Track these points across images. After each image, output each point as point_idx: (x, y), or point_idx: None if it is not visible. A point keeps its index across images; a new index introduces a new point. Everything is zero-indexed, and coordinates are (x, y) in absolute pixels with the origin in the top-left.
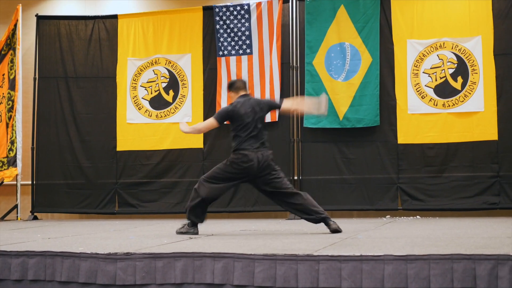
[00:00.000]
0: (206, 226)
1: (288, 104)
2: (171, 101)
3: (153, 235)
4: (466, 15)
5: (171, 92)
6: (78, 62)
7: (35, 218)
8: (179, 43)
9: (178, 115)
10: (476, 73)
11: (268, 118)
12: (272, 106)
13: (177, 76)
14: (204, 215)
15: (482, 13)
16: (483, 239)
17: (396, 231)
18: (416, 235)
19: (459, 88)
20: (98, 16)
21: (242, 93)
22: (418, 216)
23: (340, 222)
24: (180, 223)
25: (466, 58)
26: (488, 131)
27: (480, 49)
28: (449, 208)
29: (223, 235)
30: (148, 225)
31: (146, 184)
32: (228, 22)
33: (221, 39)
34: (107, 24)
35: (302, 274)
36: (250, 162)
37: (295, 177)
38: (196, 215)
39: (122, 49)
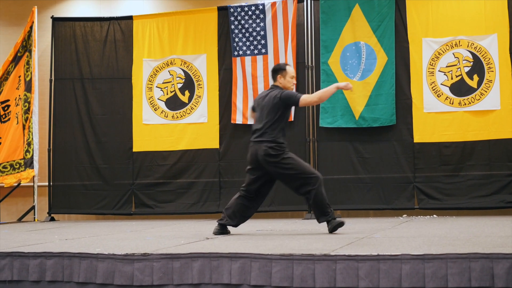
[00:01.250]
0: None
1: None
2: (187, 102)
3: (170, 236)
4: (482, 13)
5: (187, 93)
6: (94, 63)
7: (52, 219)
8: (194, 44)
9: (194, 115)
10: (492, 71)
11: None
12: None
13: (193, 77)
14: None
15: (497, 11)
16: (501, 238)
17: (413, 231)
18: (433, 234)
19: (475, 86)
20: (113, 17)
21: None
22: (435, 215)
23: (356, 222)
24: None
25: (482, 56)
26: (505, 129)
27: (496, 47)
28: (466, 207)
29: (240, 235)
30: (165, 225)
31: (163, 185)
32: (243, 22)
33: (236, 39)
34: (122, 25)
35: (319, 274)
36: (248, 153)
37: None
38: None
39: (138, 50)
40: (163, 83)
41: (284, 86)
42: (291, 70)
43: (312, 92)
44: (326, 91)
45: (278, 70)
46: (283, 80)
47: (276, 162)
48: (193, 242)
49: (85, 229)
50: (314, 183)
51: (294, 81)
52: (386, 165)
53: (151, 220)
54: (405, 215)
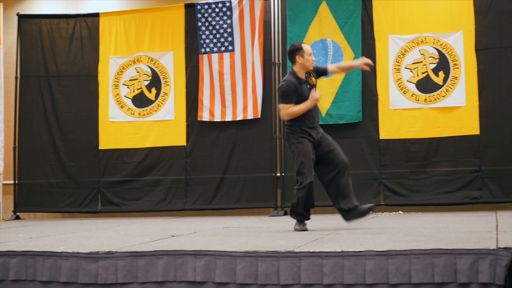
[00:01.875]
0: (188, 224)
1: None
2: (153, 99)
3: (135, 234)
4: (448, 10)
5: (154, 90)
6: (60, 60)
7: (17, 218)
8: (161, 41)
9: (160, 113)
10: (458, 68)
11: (250, 114)
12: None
13: (160, 74)
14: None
15: (463, 8)
16: (464, 234)
17: (378, 227)
18: (397, 231)
19: (441, 83)
20: (80, 14)
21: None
22: (400, 212)
23: (323, 218)
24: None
25: (447, 53)
26: (470, 125)
27: (461, 44)
28: (431, 203)
29: (205, 232)
30: (131, 223)
31: (129, 183)
32: (210, 19)
33: (203, 37)
34: (89, 23)
35: (283, 270)
36: None
37: (278, 174)
38: None
39: (104, 47)
40: (129, 80)
41: (304, 65)
42: (307, 47)
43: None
44: (300, 111)
45: (295, 50)
46: (302, 59)
47: (288, 145)
48: (158, 240)
49: (50, 227)
50: (298, 184)
51: (313, 58)
52: (352, 161)
53: (117, 218)
54: (371, 212)
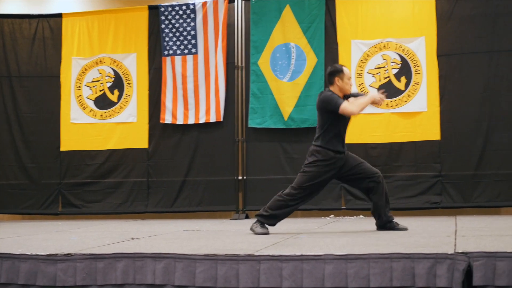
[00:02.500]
0: (149, 227)
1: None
2: (116, 101)
3: (95, 236)
4: (410, 16)
5: (116, 92)
6: (22, 61)
7: None
8: (124, 43)
9: (123, 115)
10: (419, 73)
11: (213, 117)
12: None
13: (122, 76)
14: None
15: (425, 14)
16: (423, 238)
17: (339, 231)
18: (357, 235)
19: (403, 88)
20: (42, 14)
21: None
22: (361, 216)
23: (283, 222)
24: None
25: (409, 58)
26: (431, 131)
27: (423, 50)
28: (392, 208)
29: (166, 235)
30: (91, 225)
31: (90, 185)
32: (173, 21)
33: (167, 39)
34: (51, 23)
35: (243, 274)
36: None
37: (240, 177)
38: None
39: (67, 48)
40: (92, 81)
41: (342, 88)
42: (347, 71)
43: (243, 93)
44: (363, 105)
45: (335, 72)
46: (341, 82)
47: (310, 161)
48: (118, 243)
49: (10, 229)
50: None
51: (351, 83)
52: None
53: (78, 220)
54: (332, 216)
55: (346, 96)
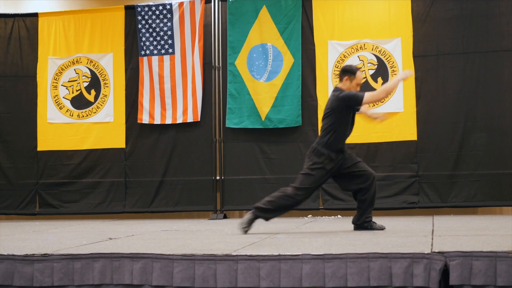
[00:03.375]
0: (126, 227)
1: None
2: (92, 101)
3: (72, 236)
4: (386, 17)
5: (93, 92)
6: None
7: None
8: (100, 43)
9: (99, 114)
10: (396, 74)
11: (190, 117)
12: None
13: (99, 76)
14: None
15: (401, 16)
16: (401, 238)
17: (316, 231)
18: (335, 235)
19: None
20: (18, 14)
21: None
22: (339, 216)
23: (261, 222)
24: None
25: (386, 59)
26: (408, 131)
27: (399, 51)
28: None
29: (144, 235)
30: (69, 226)
31: (67, 185)
32: (150, 21)
33: (143, 39)
34: (28, 23)
35: (220, 274)
36: None
37: (217, 177)
38: None
39: (43, 47)
40: (68, 81)
41: (348, 89)
42: (360, 76)
43: (220, 94)
44: (390, 87)
45: (348, 71)
46: (349, 83)
47: (307, 160)
48: (95, 243)
49: None
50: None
51: (358, 89)
52: (291, 165)
53: (55, 221)
54: (310, 216)
55: None
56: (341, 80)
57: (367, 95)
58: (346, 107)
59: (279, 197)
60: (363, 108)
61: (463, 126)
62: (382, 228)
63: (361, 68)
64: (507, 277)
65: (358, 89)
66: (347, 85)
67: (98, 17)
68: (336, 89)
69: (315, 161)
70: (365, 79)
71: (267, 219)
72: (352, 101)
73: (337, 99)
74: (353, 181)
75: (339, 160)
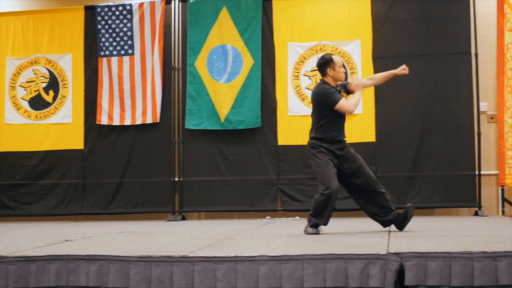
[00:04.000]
0: (84, 228)
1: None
2: (51, 102)
3: (29, 238)
4: (346, 19)
5: (51, 92)
6: None
7: None
8: (59, 43)
9: (58, 115)
10: (355, 75)
11: (149, 118)
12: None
13: (58, 76)
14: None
15: (361, 18)
16: (357, 239)
17: (274, 232)
18: (292, 236)
19: None
20: None
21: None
22: (297, 217)
23: (220, 223)
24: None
25: (346, 61)
26: (367, 133)
27: (359, 53)
28: None
29: (101, 237)
30: (26, 227)
31: (25, 186)
32: (110, 22)
33: (103, 40)
34: None
35: (177, 275)
36: None
37: (176, 179)
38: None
39: (1, 48)
40: (26, 82)
41: (335, 77)
42: (338, 59)
43: (179, 95)
44: (357, 102)
45: (326, 63)
46: (333, 72)
47: (309, 156)
48: (52, 245)
49: None
50: (323, 191)
51: (343, 70)
52: (250, 167)
53: (12, 222)
54: (269, 217)
55: (339, 87)
56: (324, 74)
57: (341, 104)
58: (322, 103)
59: (317, 201)
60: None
61: (421, 128)
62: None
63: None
64: (462, 277)
65: (343, 70)
66: (333, 74)
67: (57, 17)
68: (319, 84)
69: (311, 152)
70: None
71: (324, 224)
72: (326, 101)
73: (316, 92)
74: (354, 183)
75: (336, 150)
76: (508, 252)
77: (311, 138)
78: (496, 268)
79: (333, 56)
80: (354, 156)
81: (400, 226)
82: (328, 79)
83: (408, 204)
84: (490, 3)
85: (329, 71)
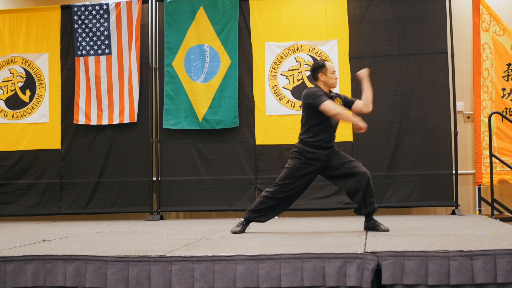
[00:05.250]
0: (62, 228)
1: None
2: (27, 101)
3: (5, 238)
4: (323, 19)
5: (28, 92)
6: None
7: None
8: (36, 42)
9: (35, 115)
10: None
11: (126, 118)
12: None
13: (34, 76)
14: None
15: (338, 18)
16: (335, 238)
17: (251, 232)
18: (270, 235)
19: None
20: None
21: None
22: (276, 216)
23: (198, 223)
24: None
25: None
26: (344, 132)
27: (336, 52)
28: (306, 208)
29: (78, 237)
30: (3, 228)
31: (2, 186)
32: (86, 21)
33: (80, 39)
34: None
35: (155, 275)
36: None
37: (154, 178)
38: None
39: None
40: (3, 81)
41: (326, 83)
42: (330, 65)
43: (157, 94)
44: (345, 116)
45: (318, 68)
46: (325, 77)
47: (293, 156)
48: (29, 245)
49: None
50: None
51: (336, 76)
52: (228, 166)
53: None
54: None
55: (334, 95)
56: (316, 79)
57: (325, 105)
58: (308, 104)
59: (259, 198)
60: (358, 108)
61: (398, 127)
62: (386, 230)
63: (298, 69)
64: (438, 276)
65: (335, 76)
66: (324, 79)
67: (34, 16)
68: (314, 87)
69: (294, 155)
70: (301, 80)
71: (260, 221)
72: (311, 101)
73: (303, 94)
74: (343, 182)
75: (322, 156)
76: (484, 251)
77: (299, 140)
78: (472, 267)
79: (326, 62)
80: (341, 156)
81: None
82: (320, 84)
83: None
84: (466, 4)
85: (321, 76)
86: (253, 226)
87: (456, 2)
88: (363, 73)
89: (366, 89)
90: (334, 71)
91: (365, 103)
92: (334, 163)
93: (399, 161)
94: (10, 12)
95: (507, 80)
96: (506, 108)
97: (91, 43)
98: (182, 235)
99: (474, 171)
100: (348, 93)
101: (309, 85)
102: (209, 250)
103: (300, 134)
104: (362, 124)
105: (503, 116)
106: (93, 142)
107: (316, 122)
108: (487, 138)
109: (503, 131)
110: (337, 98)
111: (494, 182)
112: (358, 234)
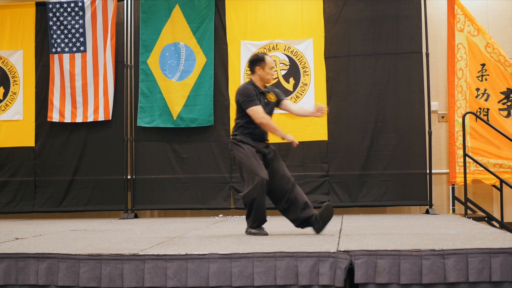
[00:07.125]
0: (35, 226)
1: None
2: (1, 99)
3: None
4: (299, 18)
5: (2, 89)
6: None
7: None
8: (10, 39)
9: (8, 112)
10: (308, 74)
11: (101, 116)
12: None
13: (8, 73)
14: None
15: (313, 17)
16: (308, 237)
17: (226, 230)
18: (243, 234)
19: (291, 89)
20: None
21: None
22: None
23: (172, 222)
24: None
25: (298, 60)
26: (319, 131)
27: (311, 52)
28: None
29: (52, 235)
30: None
31: None
32: (61, 19)
33: (54, 36)
34: None
35: (127, 273)
36: None
37: (128, 176)
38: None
39: None
40: None
41: (263, 77)
42: (270, 60)
43: (132, 92)
44: (274, 128)
45: (257, 61)
46: (262, 71)
47: (232, 150)
48: (1, 243)
49: None
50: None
51: (273, 72)
52: (203, 165)
53: None
54: (221, 215)
55: (269, 90)
56: (253, 72)
57: (253, 109)
58: (238, 102)
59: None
60: (284, 107)
61: (373, 127)
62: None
63: (273, 67)
64: (410, 275)
65: (272, 72)
66: (262, 74)
67: (8, 13)
68: (248, 82)
69: (234, 146)
70: (277, 79)
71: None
72: (241, 101)
73: (237, 90)
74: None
75: (259, 148)
76: (456, 250)
77: (232, 135)
78: (444, 266)
79: (266, 56)
80: (275, 154)
81: (316, 225)
82: (256, 78)
83: (326, 203)
84: (441, 4)
85: (258, 69)
86: (227, 224)
87: (431, 2)
88: (321, 109)
89: (309, 113)
90: (273, 67)
91: (299, 110)
92: (272, 165)
93: (374, 160)
94: None
95: (481, 80)
96: (480, 108)
97: (66, 40)
98: (155, 234)
99: (448, 170)
100: (323, 92)
101: (284, 84)
102: (182, 248)
103: (233, 130)
104: (290, 138)
105: (477, 116)
106: (68, 140)
107: (249, 119)
108: (461, 138)
109: (477, 131)
110: (272, 93)
111: (467, 182)
112: (332, 233)
